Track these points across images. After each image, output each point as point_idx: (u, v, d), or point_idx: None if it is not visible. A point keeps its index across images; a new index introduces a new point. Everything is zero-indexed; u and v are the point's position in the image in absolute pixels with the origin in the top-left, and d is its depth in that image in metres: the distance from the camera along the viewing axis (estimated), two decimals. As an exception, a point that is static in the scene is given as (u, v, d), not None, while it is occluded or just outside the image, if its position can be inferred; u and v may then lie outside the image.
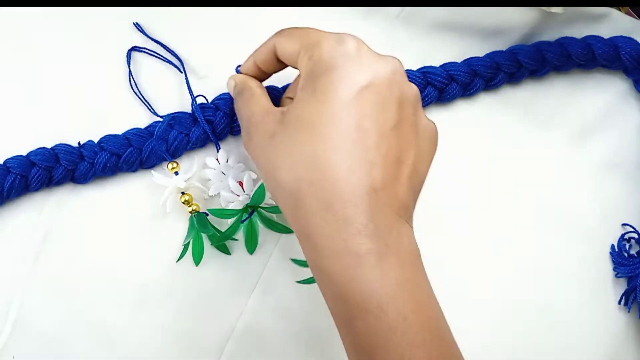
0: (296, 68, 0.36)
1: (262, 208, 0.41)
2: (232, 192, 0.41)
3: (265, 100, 0.37)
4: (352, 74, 0.32)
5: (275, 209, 0.41)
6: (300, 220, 0.32)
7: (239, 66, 0.41)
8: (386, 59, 0.34)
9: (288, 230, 0.41)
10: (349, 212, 0.30)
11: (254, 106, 0.37)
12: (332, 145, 0.31)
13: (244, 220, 0.40)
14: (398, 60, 0.34)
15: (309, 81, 0.33)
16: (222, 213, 0.40)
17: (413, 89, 0.34)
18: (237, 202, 0.41)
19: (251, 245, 0.42)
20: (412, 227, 0.33)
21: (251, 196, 0.40)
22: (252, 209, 0.41)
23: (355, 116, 0.31)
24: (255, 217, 0.41)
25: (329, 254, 0.31)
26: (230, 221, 0.41)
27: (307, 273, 0.41)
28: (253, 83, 0.39)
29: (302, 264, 0.41)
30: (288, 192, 0.32)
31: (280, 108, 0.35)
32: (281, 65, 0.39)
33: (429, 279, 0.33)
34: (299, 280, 0.41)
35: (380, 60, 0.33)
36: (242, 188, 0.41)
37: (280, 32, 0.37)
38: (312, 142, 0.31)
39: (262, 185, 0.40)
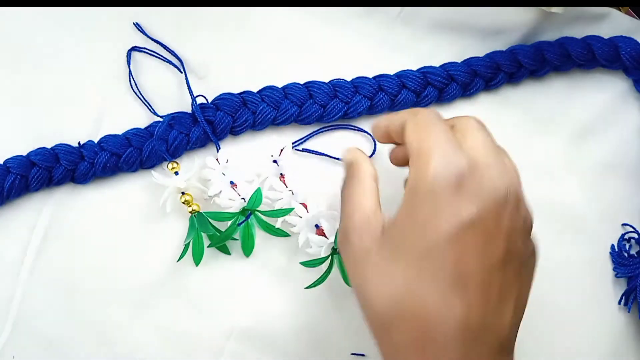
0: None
1: (260, 212, 0.41)
2: (227, 198, 0.41)
3: (370, 200, 0.34)
4: (456, 206, 0.29)
5: (273, 213, 0.41)
6: (388, 350, 0.31)
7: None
8: (499, 186, 0.30)
9: (285, 234, 0.41)
10: (439, 352, 0.29)
11: (357, 202, 0.34)
12: (428, 279, 0.29)
13: (241, 223, 0.40)
14: (515, 176, 0.31)
15: (411, 205, 0.30)
16: (219, 216, 0.40)
17: (525, 215, 0.32)
18: (233, 208, 0.41)
19: (247, 248, 0.41)
20: (513, 358, 0.32)
21: (247, 199, 0.40)
22: (249, 212, 0.40)
23: (455, 252, 0.29)
24: (252, 221, 0.41)
25: None
26: (229, 223, 0.41)
27: (312, 276, 0.41)
28: (366, 169, 0.35)
29: (310, 264, 0.41)
30: (377, 317, 0.31)
31: (381, 219, 0.33)
32: None
33: None
34: (307, 286, 0.41)
35: (491, 187, 0.30)
36: (237, 192, 0.41)
37: (414, 117, 0.33)
38: (410, 273, 0.30)
39: (258, 189, 0.40)
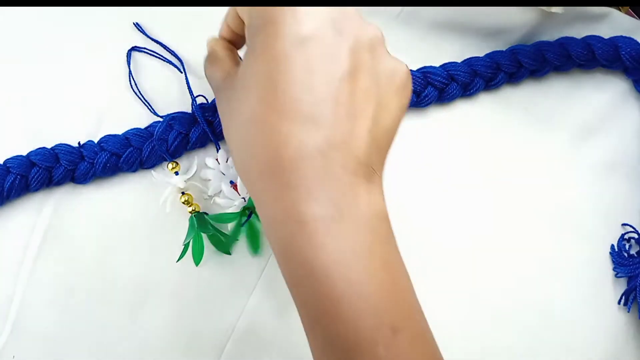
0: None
1: None
2: (227, 197, 0.41)
3: (228, 63, 0.35)
4: (290, 25, 0.28)
5: None
6: (246, 182, 0.30)
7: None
8: (332, 8, 0.30)
9: None
10: (291, 177, 0.28)
11: (216, 71, 0.36)
12: (272, 106, 0.28)
13: (244, 223, 0.40)
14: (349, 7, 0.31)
15: (249, 38, 0.30)
16: (221, 218, 0.40)
17: (370, 31, 0.31)
18: (233, 207, 0.41)
19: (254, 246, 0.41)
20: (378, 184, 0.30)
21: (247, 199, 0.40)
22: (249, 211, 0.40)
23: (295, 72, 0.28)
24: (254, 218, 0.41)
25: (272, 222, 0.29)
26: (230, 225, 0.41)
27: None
28: (218, 46, 0.37)
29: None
30: (236, 159, 0.31)
31: (236, 70, 0.33)
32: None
33: (395, 240, 0.30)
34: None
35: (324, 8, 0.29)
36: (237, 191, 0.41)
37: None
38: (252, 103, 0.29)
39: None
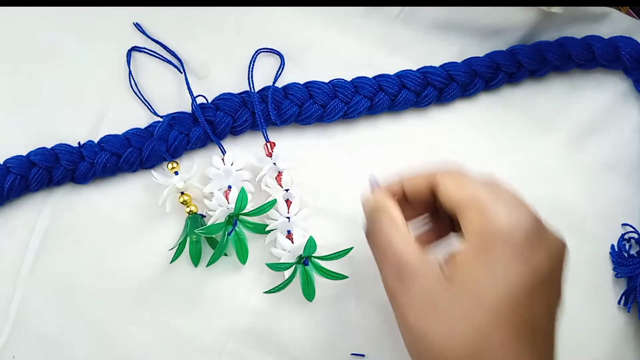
0: (452, 215, 0.34)
1: (245, 214, 0.40)
2: (218, 204, 0.40)
3: (412, 241, 0.33)
4: (532, 259, 0.31)
5: (256, 213, 0.41)
6: None
7: (373, 177, 0.37)
8: (558, 241, 0.33)
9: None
10: None
11: (401, 245, 0.33)
12: (503, 330, 0.30)
13: (230, 232, 0.40)
14: (562, 239, 0.33)
15: (483, 255, 0.31)
16: (209, 230, 0.40)
17: (564, 256, 0.33)
18: (218, 213, 0.40)
19: (242, 255, 0.41)
20: None
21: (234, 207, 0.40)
22: (235, 219, 0.40)
23: (528, 304, 0.31)
24: (240, 227, 0.41)
25: None
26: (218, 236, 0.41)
27: (279, 279, 0.41)
28: (395, 211, 0.34)
29: (277, 268, 0.40)
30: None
31: (434, 259, 0.32)
32: (432, 199, 0.35)
33: None
34: (265, 290, 0.41)
35: (555, 242, 0.32)
36: (227, 199, 0.40)
37: (444, 171, 0.35)
38: (482, 320, 0.30)
39: (242, 190, 0.40)
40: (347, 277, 0.41)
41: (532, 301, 0.31)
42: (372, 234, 0.35)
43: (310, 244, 0.40)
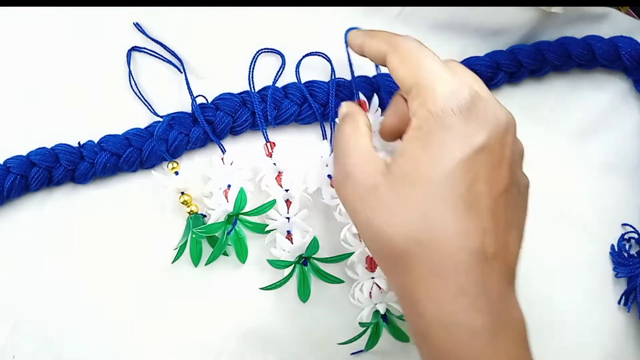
0: (404, 95, 0.34)
1: (244, 214, 0.40)
2: (217, 203, 0.40)
3: (368, 141, 0.35)
4: (467, 133, 0.30)
5: (256, 213, 0.41)
6: (405, 282, 0.31)
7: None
8: (500, 116, 0.31)
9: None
10: (461, 280, 0.29)
11: (354, 144, 0.34)
12: (445, 206, 0.29)
13: (229, 232, 0.40)
14: (511, 115, 0.32)
15: (421, 135, 0.31)
16: (208, 229, 0.40)
17: (520, 147, 0.33)
18: (218, 212, 0.40)
19: (241, 254, 0.41)
20: (516, 294, 0.32)
21: (233, 206, 0.40)
22: (234, 218, 0.40)
23: (469, 178, 0.30)
24: (240, 226, 0.41)
25: (437, 323, 0.29)
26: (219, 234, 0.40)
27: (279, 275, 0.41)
28: (361, 117, 0.37)
29: (277, 265, 0.40)
30: (393, 252, 0.31)
31: (382, 157, 0.33)
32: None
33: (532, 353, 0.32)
34: (262, 287, 0.41)
35: (494, 117, 0.31)
36: (227, 198, 0.40)
37: (395, 49, 0.34)
38: (423, 201, 0.30)
39: (241, 189, 0.40)
40: (343, 281, 0.41)
41: (470, 178, 0.30)
42: (336, 138, 0.36)
43: (313, 244, 0.40)
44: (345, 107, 0.38)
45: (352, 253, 0.41)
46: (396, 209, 0.30)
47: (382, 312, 0.40)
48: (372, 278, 0.41)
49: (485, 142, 0.30)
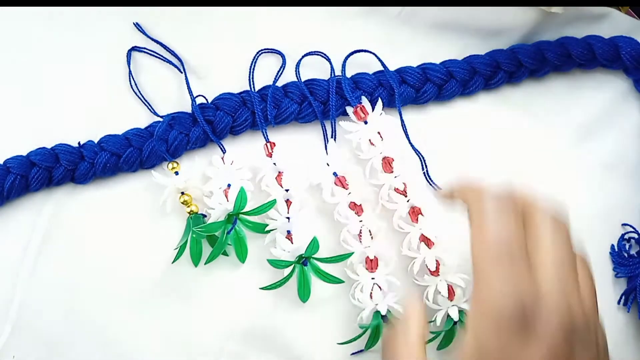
0: None
1: (244, 213, 0.40)
2: (218, 202, 0.40)
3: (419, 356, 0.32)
4: (524, 349, 0.27)
5: (255, 212, 0.41)
6: None
7: None
8: (563, 312, 0.28)
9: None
10: None
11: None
12: None
13: (229, 231, 0.40)
14: (589, 295, 0.30)
15: (480, 348, 0.28)
16: (208, 228, 0.40)
17: (599, 348, 0.30)
18: (218, 211, 0.40)
19: (241, 254, 0.41)
20: None
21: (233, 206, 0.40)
22: (234, 217, 0.40)
23: None
24: (240, 226, 0.41)
25: None
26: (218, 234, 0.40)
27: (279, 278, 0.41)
28: (414, 323, 0.33)
29: (277, 265, 0.40)
30: None
31: None
32: None
33: None
34: (262, 287, 0.41)
35: (560, 332, 0.28)
36: (227, 197, 0.40)
37: (481, 201, 0.31)
38: None
39: (241, 189, 0.40)
40: (343, 281, 0.41)
41: None
42: (383, 342, 0.33)
43: (314, 244, 0.40)
44: (407, 309, 0.34)
45: (352, 253, 0.41)
46: None
47: (383, 312, 0.40)
48: (373, 278, 0.41)
49: (546, 358, 0.27)
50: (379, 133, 0.42)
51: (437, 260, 0.41)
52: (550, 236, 0.29)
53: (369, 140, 0.42)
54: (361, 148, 0.42)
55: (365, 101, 0.42)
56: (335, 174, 0.42)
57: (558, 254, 0.29)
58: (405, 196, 0.42)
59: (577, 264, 0.30)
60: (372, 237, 0.41)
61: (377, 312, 0.40)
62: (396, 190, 0.42)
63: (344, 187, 0.42)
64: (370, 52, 0.44)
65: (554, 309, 0.28)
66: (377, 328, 0.41)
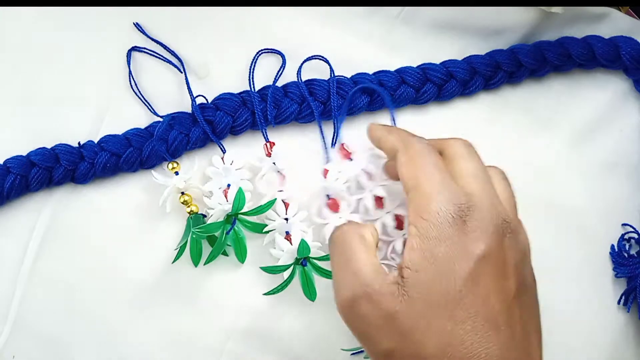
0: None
1: (243, 214, 0.40)
2: (217, 202, 0.40)
3: (376, 257, 0.32)
4: (464, 243, 0.30)
5: (254, 213, 0.41)
6: None
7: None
8: (495, 220, 0.31)
9: (261, 230, 0.41)
10: None
11: (362, 259, 0.32)
12: (466, 331, 0.29)
13: (228, 231, 0.40)
14: (510, 200, 0.33)
15: (426, 248, 0.30)
16: (208, 228, 0.40)
17: (522, 245, 0.32)
18: (217, 211, 0.40)
19: (240, 254, 0.41)
20: None
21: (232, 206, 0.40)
22: (234, 218, 0.40)
23: (480, 294, 0.29)
24: (239, 226, 0.41)
25: None
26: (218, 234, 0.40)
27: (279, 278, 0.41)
28: (367, 226, 0.34)
29: (272, 271, 0.40)
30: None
31: (391, 275, 0.31)
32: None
33: None
34: (265, 292, 0.41)
35: (490, 222, 0.31)
36: (226, 197, 0.40)
37: (406, 149, 0.33)
38: (444, 324, 0.29)
39: (240, 189, 0.40)
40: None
41: (482, 292, 0.29)
42: (336, 247, 0.33)
43: (303, 246, 0.40)
44: (336, 232, 0.34)
45: None
46: (419, 336, 0.30)
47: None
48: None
49: (485, 252, 0.30)
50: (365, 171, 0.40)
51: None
52: (464, 152, 0.34)
53: (358, 180, 0.41)
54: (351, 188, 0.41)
55: (346, 144, 0.42)
56: (328, 196, 0.42)
57: (474, 165, 0.33)
58: (401, 229, 0.39)
59: (491, 173, 0.34)
60: None
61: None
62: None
63: (335, 212, 0.41)
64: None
65: (484, 207, 0.31)
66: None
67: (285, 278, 0.40)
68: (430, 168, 0.32)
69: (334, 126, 0.43)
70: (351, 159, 0.41)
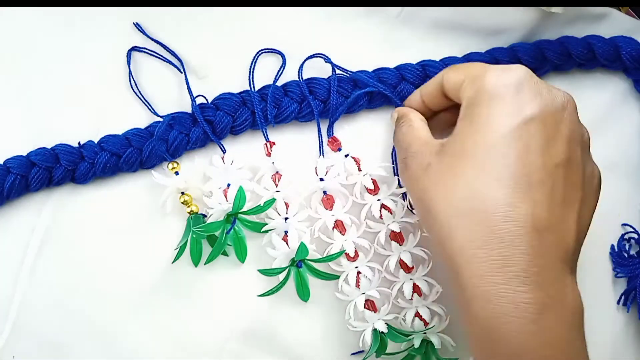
0: (460, 103, 0.34)
1: (243, 213, 0.40)
2: (217, 202, 0.40)
3: (424, 132, 0.36)
4: (515, 103, 0.30)
5: (254, 212, 0.41)
6: (449, 253, 0.30)
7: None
8: (556, 94, 0.32)
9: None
10: (506, 252, 0.28)
11: (411, 137, 0.36)
12: (491, 177, 0.29)
13: (228, 231, 0.40)
14: (570, 96, 0.33)
15: (469, 111, 0.32)
16: (208, 228, 0.40)
17: (584, 131, 0.33)
18: (217, 211, 0.40)
19: (240, 254, 0.41)
20: (575, 279, 0.31)
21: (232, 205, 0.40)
22: (233, 217, 0.40)
23: (517, 148, 0.29)
24: (239, 225, 0.41)
25: (479, 295, 0.29)
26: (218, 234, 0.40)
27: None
28: (413, 115, 0.39)
29: (268, 273, 0.40)
30: (440, 224, 0.30)
31: (439, 140, 0.34)
32: (447, 101, 0.38)
33: (586, 340, 0.31)
34: (260, 294, 0.41)
35: (549, 94, 0.31)
36: (226, 197, 0.40)
37: (449, 67, 0.38)
38: (469, 173, 0.30)
39: (240, 188, 0.40)
40: (339, 277, 0.41)
41: (520, 148, 0.30)
42: (394, 138, 0.39)
43: (302, 249, 0.40)
44: (396, 112, 0.41)
45: (343, 251, 0.41)
46: (444, 185, 0.31)
47: (384, 330, 0.40)
48: (356, 267, 0.41)
49: (536, 114, 0.30)
50: (355, 159, 0.42)
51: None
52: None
53: (348, 169, 0.42)
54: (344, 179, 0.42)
55: (336, 137, 0.43)
56: (325, 192, 0.42)
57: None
58: (391, 213, 0.40)
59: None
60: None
61: (375, 330, 0.40)
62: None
63: (329, 209, 0.41)
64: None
65: (546, 86, 0.32)
66: (381, 340, 0.40)
67: (280, 280, 0.40)
68: (480, 64, 0.37)
69: (329, 122, 0.43)
70: (340, 149, 0.42)
